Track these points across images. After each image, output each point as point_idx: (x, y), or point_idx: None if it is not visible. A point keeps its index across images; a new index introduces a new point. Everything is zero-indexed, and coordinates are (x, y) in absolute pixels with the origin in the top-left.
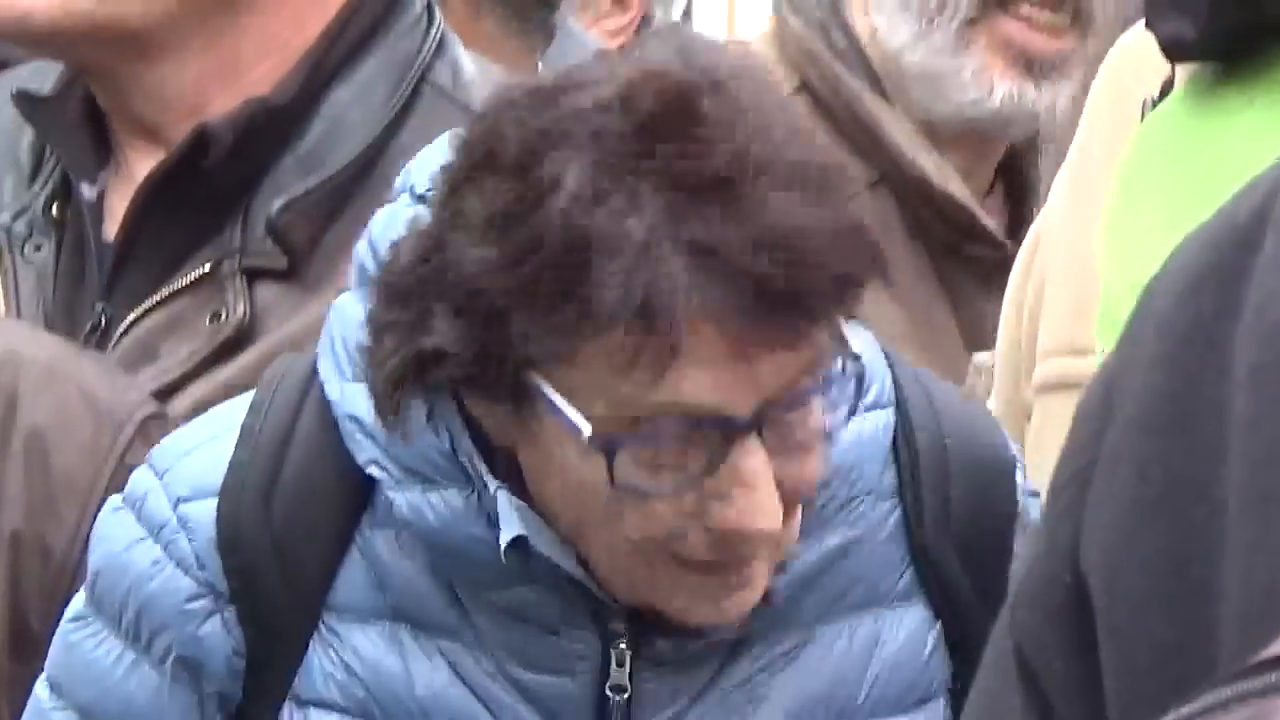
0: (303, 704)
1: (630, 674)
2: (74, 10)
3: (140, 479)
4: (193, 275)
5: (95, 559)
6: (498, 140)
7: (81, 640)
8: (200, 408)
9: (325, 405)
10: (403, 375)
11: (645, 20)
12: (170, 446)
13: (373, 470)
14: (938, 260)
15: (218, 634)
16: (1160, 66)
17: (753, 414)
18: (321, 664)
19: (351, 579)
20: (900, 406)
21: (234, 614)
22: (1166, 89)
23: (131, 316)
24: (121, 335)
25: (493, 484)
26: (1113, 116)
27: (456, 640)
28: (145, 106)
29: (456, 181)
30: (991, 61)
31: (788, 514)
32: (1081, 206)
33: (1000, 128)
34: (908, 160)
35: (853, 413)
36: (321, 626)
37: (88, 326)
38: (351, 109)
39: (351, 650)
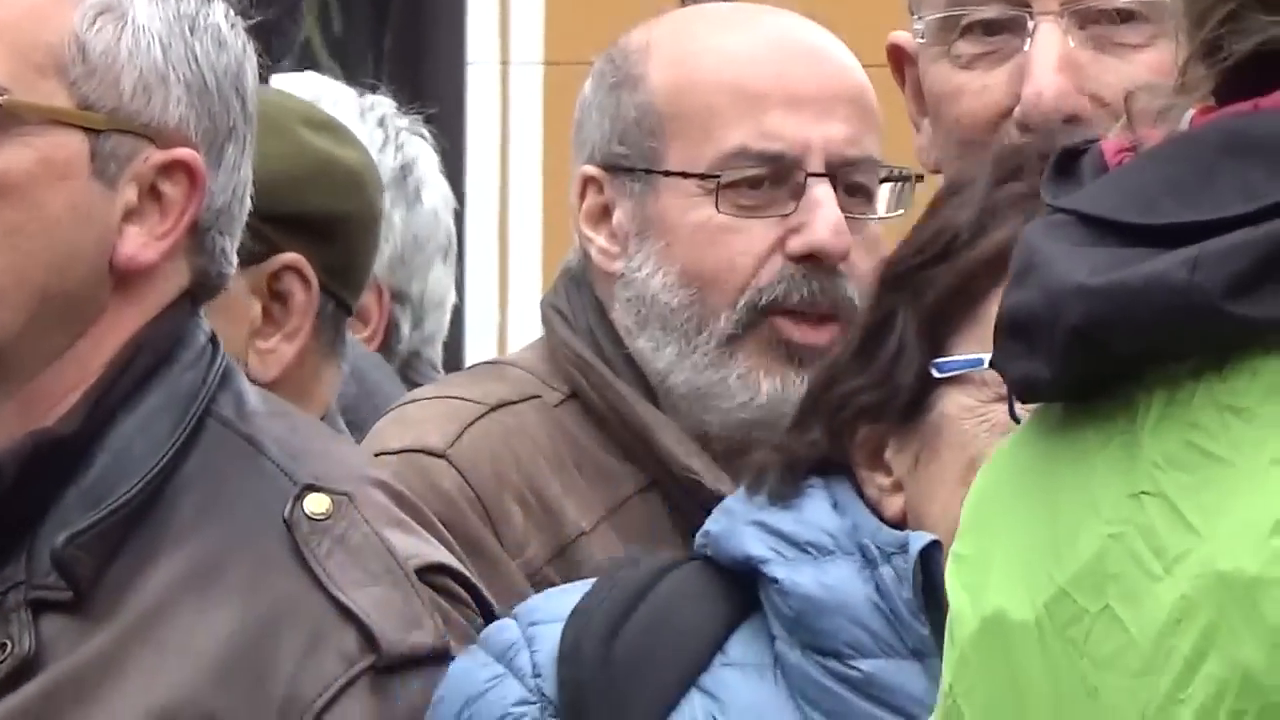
0: None
1: None
2: None
3: (497, 623)
4: None
5: (440, 693)
6: None
7: None
8: None
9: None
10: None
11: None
12: (529, 603)
13: (760, 551)
14: None
15: None
16: None
17: None
18: None
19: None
20: None
21: None
22: None
23: None
24: None
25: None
26: None
27: None
28: None
29: None
30: (758, 362)
31: None
32: None
33: (771, 423)
34: (680, 463)
35: None
36: None
37: None
38: (135, 442)
39: None
